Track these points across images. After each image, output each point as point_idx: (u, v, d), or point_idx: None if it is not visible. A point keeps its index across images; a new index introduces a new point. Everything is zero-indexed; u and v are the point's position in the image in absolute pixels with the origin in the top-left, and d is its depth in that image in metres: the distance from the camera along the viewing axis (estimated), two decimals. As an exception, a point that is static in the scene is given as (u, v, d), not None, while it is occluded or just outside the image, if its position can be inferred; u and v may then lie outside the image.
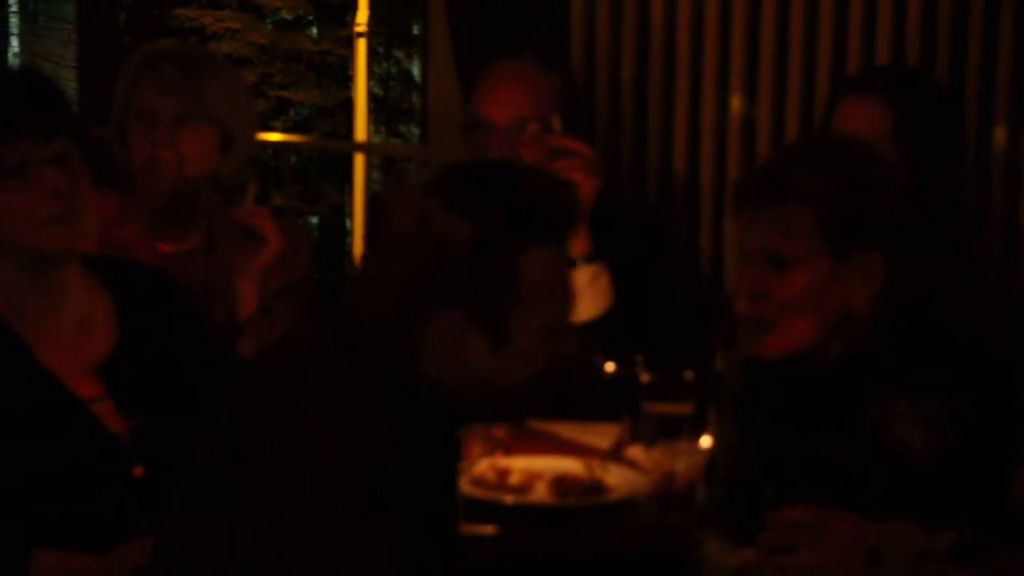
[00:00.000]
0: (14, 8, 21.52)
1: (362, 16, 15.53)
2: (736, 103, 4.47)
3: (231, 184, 3.73)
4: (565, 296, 2.44)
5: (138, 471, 2.86)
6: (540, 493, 3.19)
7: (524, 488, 3.20)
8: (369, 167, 14.57)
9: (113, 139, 3.70)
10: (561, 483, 3.20)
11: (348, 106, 16.61)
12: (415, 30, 17.96)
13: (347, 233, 16.70)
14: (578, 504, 3.17)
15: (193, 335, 3.07)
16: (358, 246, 14.18)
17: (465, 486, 3.08)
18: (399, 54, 18.31)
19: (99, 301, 2.95)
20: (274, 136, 9.81)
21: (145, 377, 2.92)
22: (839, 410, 2.76)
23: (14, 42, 21.53)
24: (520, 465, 3.28)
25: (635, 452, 3.37)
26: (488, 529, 3.04)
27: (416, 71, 18.21)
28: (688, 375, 3.37)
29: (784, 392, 2.82)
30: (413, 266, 2.34)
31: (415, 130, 18.00)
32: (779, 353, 2.77)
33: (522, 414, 2.78)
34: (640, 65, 4.43)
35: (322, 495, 2.25)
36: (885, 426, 2.69)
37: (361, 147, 14.91)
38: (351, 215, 16.10)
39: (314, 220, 17.83)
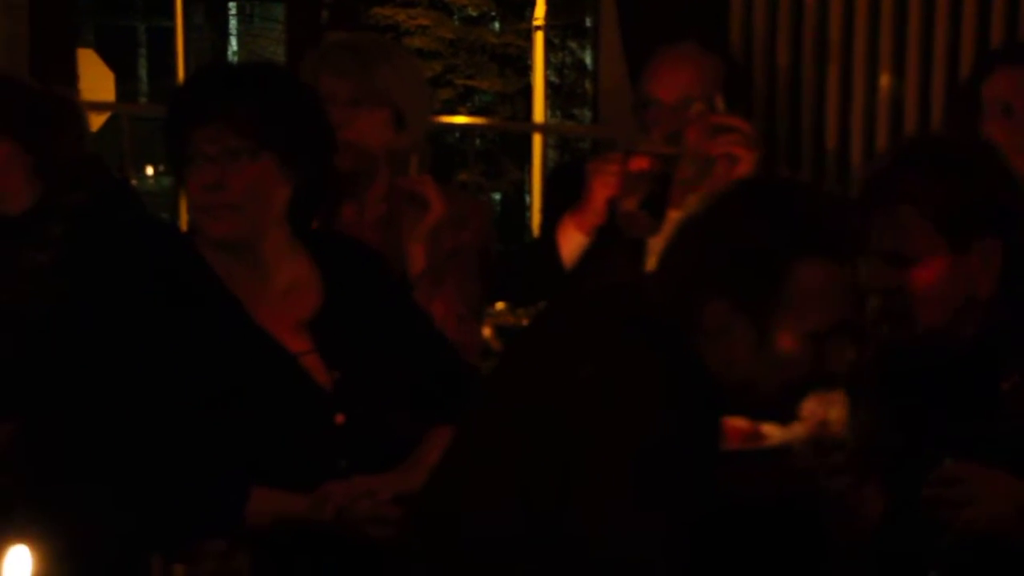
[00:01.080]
0: (233, 11, 21.80)
1: (540, 11, 15.64)
2: (884, 82, 4.39)
3: (406, 160, 3.73)
4: (837, 310, 2.40)
5: (340, 418, 2.86)
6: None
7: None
8: (546, 147, 14.64)
9: None
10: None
11: (527, 92, 16.74)
12: (587, 23, 18.00)
13: (526, 207, 16.72)
14: (739, 449, 3.13)
15: (388, 297, 3.07)
16: (536, 219, 14.22)
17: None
18: (573, 45, 18.33)
19: (306, 268, 2.96)
20: (460, 119, 9.84)
21: (347, 334, 2.93)
22: (975, 389, 2.70)
23: (233, 42, 21.81)
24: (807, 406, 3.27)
25: None
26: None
27: (588, 60, 18.23)
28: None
29: (920, 376, 2.76)
30: (698, 254, 2.38)
31: (587, 113, 18.00)
32: (913, 341, 2.74)
33: (779, 416, 2.70)
34: (794, 50, 4.37)
35: (606, 447, 2.27)
36: (1020, 401, 2.64)
37: (539, 128, 15.10)
38: (530, 191, 16.22)
39: (496, 196, 17.93)
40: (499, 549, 2.36)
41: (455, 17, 17.61)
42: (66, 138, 3.89)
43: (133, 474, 2.73)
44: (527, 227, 15.37)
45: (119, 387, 2.76)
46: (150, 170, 17.89)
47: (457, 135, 14.18)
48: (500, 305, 4.92)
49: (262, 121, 2.81)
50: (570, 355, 2.38)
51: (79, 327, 2.85)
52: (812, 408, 3.18)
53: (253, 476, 2.75)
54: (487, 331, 4.66)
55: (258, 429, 2.79)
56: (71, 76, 5.24)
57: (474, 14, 17.70)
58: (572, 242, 3.63)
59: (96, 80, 8.26)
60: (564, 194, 3.77)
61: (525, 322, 4.58)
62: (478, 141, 17.38)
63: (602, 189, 3.57)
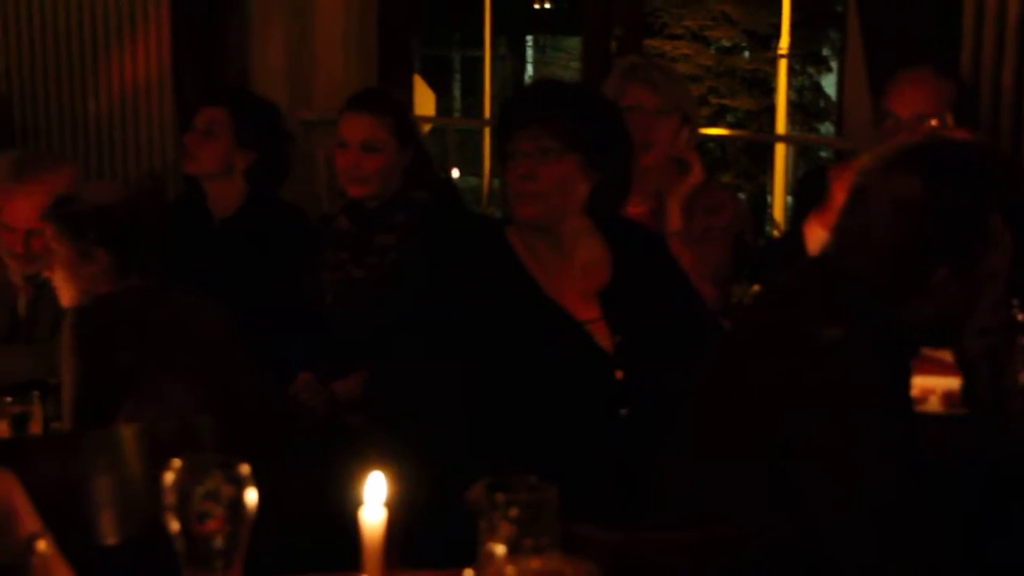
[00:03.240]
0: (530, 44, 21.96)
1: (784, 42, 15.60)
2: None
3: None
4: (1003, 249, 2.33)
5: (619, 375, 2.87)
6: (933, 404, 3.09)
7: (920, 400, 3.04)
8: (787, 156, 14.54)
9: None
10: (949, 396, 3.08)
11: (771, 110, 16.57)
12: (824, 51, 17.74)
13: (767, 206, 16.51)
14: (963, 413, 3.03)
15: (666, 273, 3.06)
16: (778, 215, 14.06)
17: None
18: (811, 70, 18.02)
19: (599, 248, 2.98)
20: (717, 131, 9.80)
21: (630, 304, 2.94)
22: None
23: (529, 68, 21.96)
24: (918, 382, 3.17)
25: None
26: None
27: (823, 82, 17.94)
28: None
29: None
30: (908, 233, 2.27)
31: (822, 127, 17.73)
32: None
33: (952, 342, 2.68)
34: (1018, 73, 4.16)
35: (845, 400, 2.22)
36: None
37: (782, 139, 14.98)
38: (771, 192, 16.05)
39: (742, 196, 17.79)
40: (725, 497, 2.30)
41: (712, 47, 17.51)
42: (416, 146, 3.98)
43: (451, 416, 2.80)
44: (768, 223, 15.22)
45: (440, 345, 2.85)
46: (456, 172, 18.14)
47: (713, 144, 14.23)
48: (756, 287, 4.86)
49: (570, 127, 2.88)
50: (803, 320, 2.31)
51: (414, 296, 2.97)
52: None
53: (542, 426, 2.79)
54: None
55: (548, 386, 2.82)
56: (409, 96, 5.32)
57: (728, 45, 17.58)
58: (816, 237, 3.56)
59: (421, 99, 8.44)
60: (810, 195, 3.74)
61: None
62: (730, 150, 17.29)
63: (842, 192, 3.51)
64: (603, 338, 2.89)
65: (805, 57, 17.67)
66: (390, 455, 2.21)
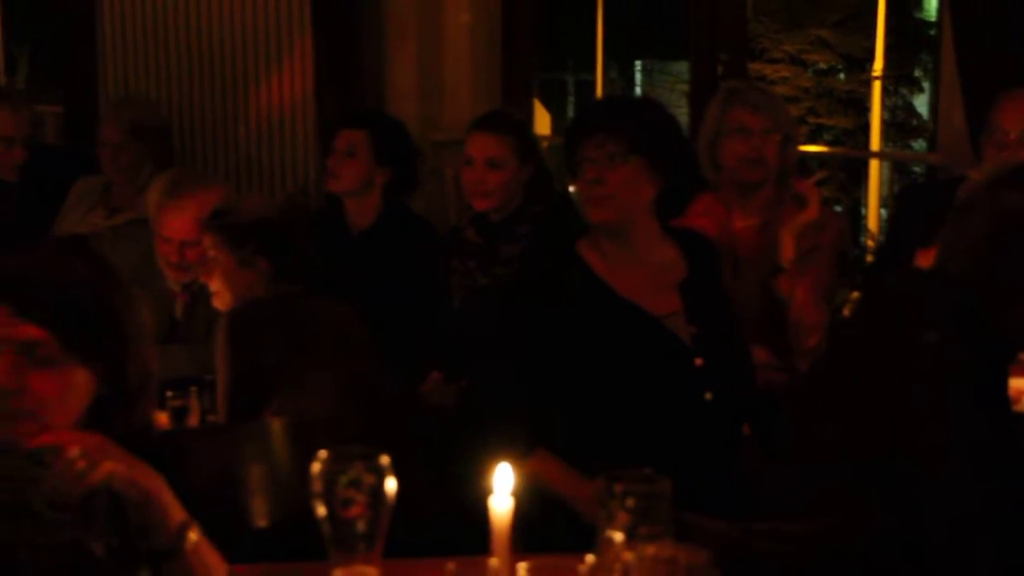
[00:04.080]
0: (638, 68, 21.90)
1: (878, 65, 15.39)
2: None
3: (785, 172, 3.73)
4: None
5: (698, 362, 2.88)
6: None
7: (1016, 400, 2.96)
8: (881, 172, 14.35)
9: (704, 148, 3.75)
10: None
11: (865, 129, 16.36)
12: (915, 73, 17.44)
13: (862, 217, 16.27)
14: None
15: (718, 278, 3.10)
16: (872, 226, 13.86)
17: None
18: (903, 90, 17.73)
19: (671, 250, 2.99)
20: (815, 148, 9.70)
21: (701, 299, 2.95)
22: None
23: (637, 91, 21.89)
24: (1014, 384, 3.08)
25: None
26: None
27: (916, 102, 17.64)
28: None
29: None
30: (1010, 244, 2.24)
31: (914, 144, 17.45)
32: None
33: None
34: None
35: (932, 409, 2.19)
36: None
37: (877, 155, 14.75)
38: (865, 205, 15.84)
39: (838, 208, 17.56)
40: (829, 491, 2.27)
41: (809, 70, 17.31)
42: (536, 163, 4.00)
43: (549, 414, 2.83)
44: (862, 233, 15.00)
45: (531, 348, 2.88)
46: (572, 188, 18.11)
47: (808, 161, 14.10)
48: (855, 294, 4.80)
49: (632, 133, 2.88)
50: (911, 324, 2.27)
51: (512, 306, 3.01)
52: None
53: (627, 413, 2.81)
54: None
55: (633, 377, 2.84)
56: (529, 116, 5.33)
57: (824, 67, 17.36)
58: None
59: (538, 119, 8.45)
60: (908, 209, 3.70)
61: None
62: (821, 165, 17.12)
63: None
64: (681, 329, 2.90)
65: (898, 79, 17.40)
66: (511, 449, 2.21)
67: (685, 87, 17.66)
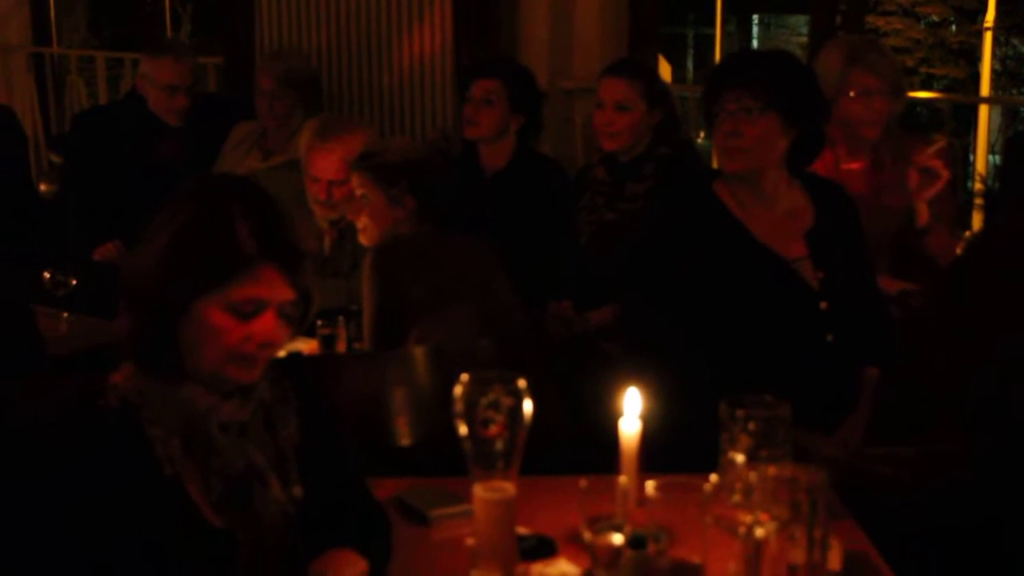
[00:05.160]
0: (756, 22, 21.49)
1: (990, 15, 14.94)
2: None
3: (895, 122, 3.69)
4: None
5: (823, 305, 2.85)
6: None
7: None
8: (990, 118, 13.96)
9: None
10: None
11: (975, 78, 15.93)
12: (1026, 24, 16.95)
13: (970, 164, 15.86)
14: None
15: (854, 225, 3.03)
16: (980, 169, 13.50)
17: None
18: (1015, 41, 17.20)
19: (801, 199, 2.95)
20: (925, 94, 9.51)
21: (830, 246, 2.91)
22: None
23: (755, 43, 21.50)
24: None
25: None
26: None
27: (1026, 52, 17.16)
28: None
29: None
30: None
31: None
32: None
33: None
34: None
35: None
36: None
37: (987, 100, 14.43)
38: (974, 152, 15.44)
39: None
40: (946, 426, 2.21)
41: (921, 22, 16.87)
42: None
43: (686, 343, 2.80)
44: (971, 177, 14.64)
45: (668, 286, 2.85)
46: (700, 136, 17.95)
47: (920, 109, 13.80)
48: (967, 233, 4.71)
49: (769, 88, 2.83)
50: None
51: (644, 243, 2.97)
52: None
53: (762, 349, 2.76)
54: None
55: (763, 315, 2.81)
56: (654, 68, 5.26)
57: (936, 19, 16.90)
58: None
59: (661, 71, 8.37)
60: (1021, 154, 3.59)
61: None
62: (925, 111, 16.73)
63: None
64: (808, 274, 2.87)
65: (1009, 29, 16.87)
66: (641, 375, 2.20)
67: (800, 39, 17.31)
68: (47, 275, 3.86)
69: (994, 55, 15.81)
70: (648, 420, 2.07)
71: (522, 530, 2.05)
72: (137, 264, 1.87)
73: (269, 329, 1.86)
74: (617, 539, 1.95)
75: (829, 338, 2.83)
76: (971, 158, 15.99)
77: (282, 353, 2.03)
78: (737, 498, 1.89)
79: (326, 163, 3.77)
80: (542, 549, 2.10)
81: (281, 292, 1.87)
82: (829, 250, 2.89)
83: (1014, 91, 17.10)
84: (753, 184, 2.89)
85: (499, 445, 1.86)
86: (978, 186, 7.74)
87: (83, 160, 4.87)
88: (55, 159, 5.61)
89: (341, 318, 3.34)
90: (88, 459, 1.76)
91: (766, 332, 2.81)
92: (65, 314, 3.84)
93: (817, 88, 2.96)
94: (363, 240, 3.38)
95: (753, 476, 1.82)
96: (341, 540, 1.94)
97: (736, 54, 3.56)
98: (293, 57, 4.98)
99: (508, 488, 1.90)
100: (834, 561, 1.94)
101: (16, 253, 4.39)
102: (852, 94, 3.60)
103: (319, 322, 3.29)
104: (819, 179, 3.05)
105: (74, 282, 3.86)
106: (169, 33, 6.62)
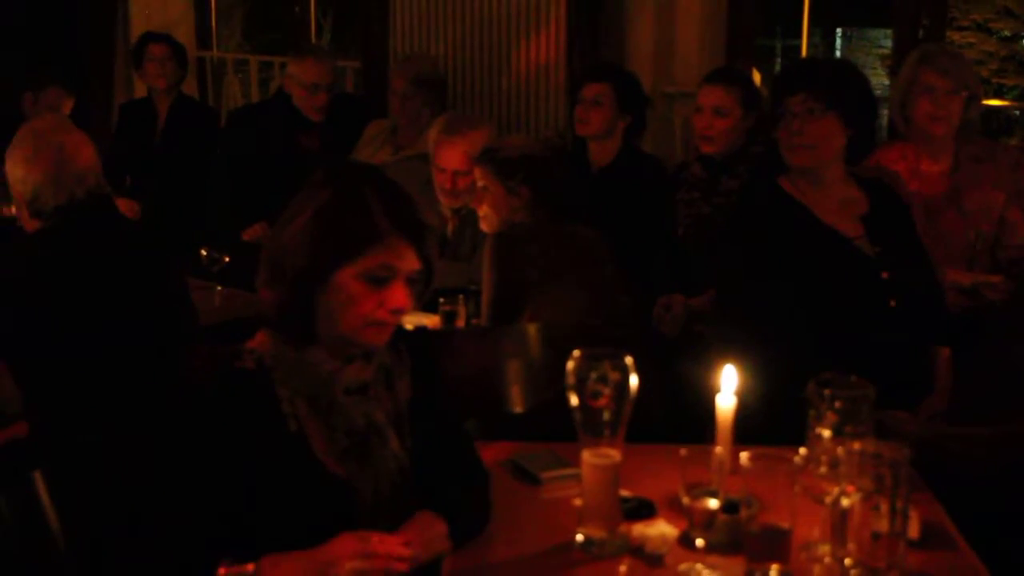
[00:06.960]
0: (839, 34, 21.07)
1: None
2: None
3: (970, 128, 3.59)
4: None
5: (884, 275, 2.83)
6: None
7: None
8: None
9: (896, 102, 3.63)
10: None
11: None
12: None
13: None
14: None
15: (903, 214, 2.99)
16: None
17: None
18: (1084, 54, 16.69)
19: (855, 189, 2.95)
20: (997, 102, 9.26)
21: (884, 226, 2.90)
22: None
23: (837, 54, 21.10)
24: None
25: None
26: None
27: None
28: None
29: None
30: None
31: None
32: None
33: None
34: None
35: None
36: None
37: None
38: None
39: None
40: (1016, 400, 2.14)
41: (994, 36, 16.44)
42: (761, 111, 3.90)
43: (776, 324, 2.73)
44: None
45: (752, 271, 2.82)
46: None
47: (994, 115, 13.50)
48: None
49: (830, 90, 2.84)
50: None
51: (727, 234, 2.97)
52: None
53: (834, 317, 2.72)
54: None
55: (833, 286, 2.78)
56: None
57: (1008, 34, 16.46)
58: None
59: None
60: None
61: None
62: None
63: None
64: (867, 249, 2.87)
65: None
66: (735, 356, 2.17)
67: (879, 51, 16.96)
68: (203, 252, 3.93)
69: (1064, 66, 15.36)
70: (742, 394, 2.04)
71: (625, 493, 2.03)
72: (280, 240, 1.89)
73: (399, 296, 1.89)
74: (712, 504, 1.94)
75: (892, 304, 2.81)
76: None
77: (410, 327, 2.05)
78: (824, 470, 1.87)
79: (452, 155, 3.80)
80: (643, 511, 2.09)
81: (409, 261, 1.90)
82: (884, 231, 2.89)
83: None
84: (814, 177, 2.90)
85: (606, 415, 1.86)
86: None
87: (235, 151, 4.93)
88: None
89: (461, 297, 3.34)
90: (226, 412, 1.81)
91: (835, 303, 2.78)
92: (219, 287, 3.91)
93: (870, 92, 2.97)
94: (484, 227, 3.39)
95: (840, 450, 1.80)
96: (438, 496, 1.94)
97: (801, 61, 3.58)
98: (423, 61, 5.00)
99: (614, 454, 1.90)
100: (913, 530, 1.90)
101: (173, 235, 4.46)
102: (919, 91, 3.53)
103: (441, 300, 3.30)
104: (868, 177, 3.04)
105: (227, 259, 3.92)
106: (313, 39, 6.68)
